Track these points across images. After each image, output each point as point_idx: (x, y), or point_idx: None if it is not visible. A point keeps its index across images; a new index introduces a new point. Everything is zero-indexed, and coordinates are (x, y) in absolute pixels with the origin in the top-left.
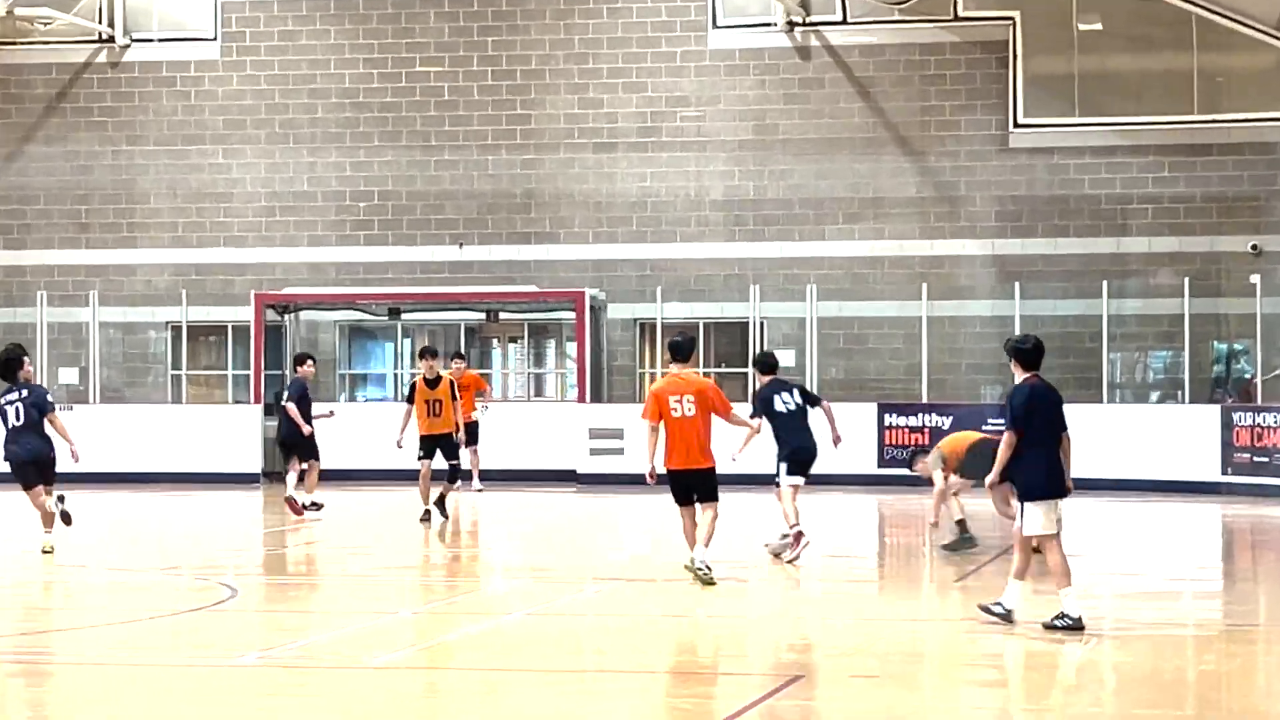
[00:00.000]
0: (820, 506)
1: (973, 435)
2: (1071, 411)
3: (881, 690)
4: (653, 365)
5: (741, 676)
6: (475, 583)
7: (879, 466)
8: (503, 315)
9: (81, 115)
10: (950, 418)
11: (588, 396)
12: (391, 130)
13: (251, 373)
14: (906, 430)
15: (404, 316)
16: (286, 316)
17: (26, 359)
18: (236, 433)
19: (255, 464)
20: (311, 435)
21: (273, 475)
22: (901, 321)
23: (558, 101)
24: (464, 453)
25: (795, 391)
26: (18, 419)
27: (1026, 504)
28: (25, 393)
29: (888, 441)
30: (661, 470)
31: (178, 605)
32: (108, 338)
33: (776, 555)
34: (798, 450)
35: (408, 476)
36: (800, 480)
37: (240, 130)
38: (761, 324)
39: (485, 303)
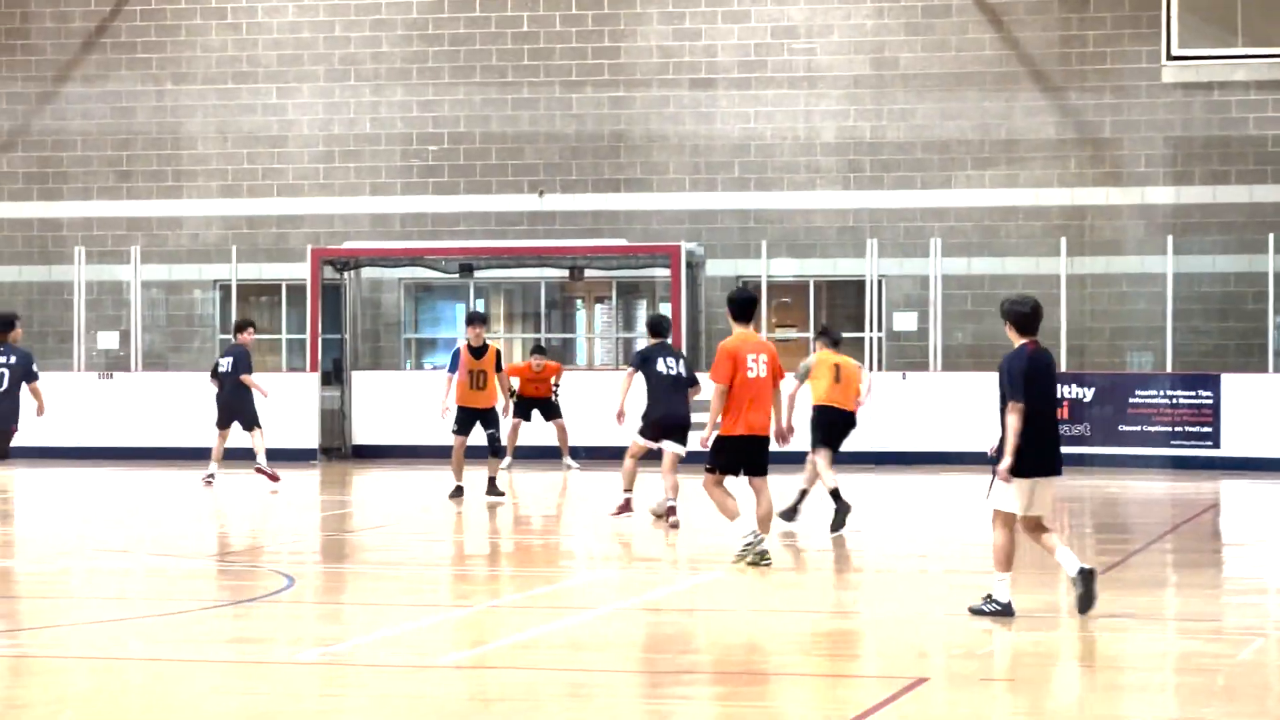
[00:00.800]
0: (941, 489)
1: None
2: (1232, 382)
3: (1017, 695)
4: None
5: (858, 679)
6: (557, 572)
7: None
8: (588, 272)
9: (123, 52)
10: (1092, 389)
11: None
12: (464, 65)
13: (308, 337)
14: None
15: (477, 274)
16: (346, 274)
17: (19, 321)
18: (291, 404)
19: (312, 439)
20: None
21: (331, 451)
22: (1037, 280)
23: (650, 33)
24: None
25: (680, 361)
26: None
27: (998, 478)
28: (12, 358)
29: None
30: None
31: (229, 595)
32: (150, 298)
33: (658, 517)
34: (667, 415)
35: (480, 454)
36: (680, 449)
37: (296, 67)
38: (879, 282)
39: (568, 258)
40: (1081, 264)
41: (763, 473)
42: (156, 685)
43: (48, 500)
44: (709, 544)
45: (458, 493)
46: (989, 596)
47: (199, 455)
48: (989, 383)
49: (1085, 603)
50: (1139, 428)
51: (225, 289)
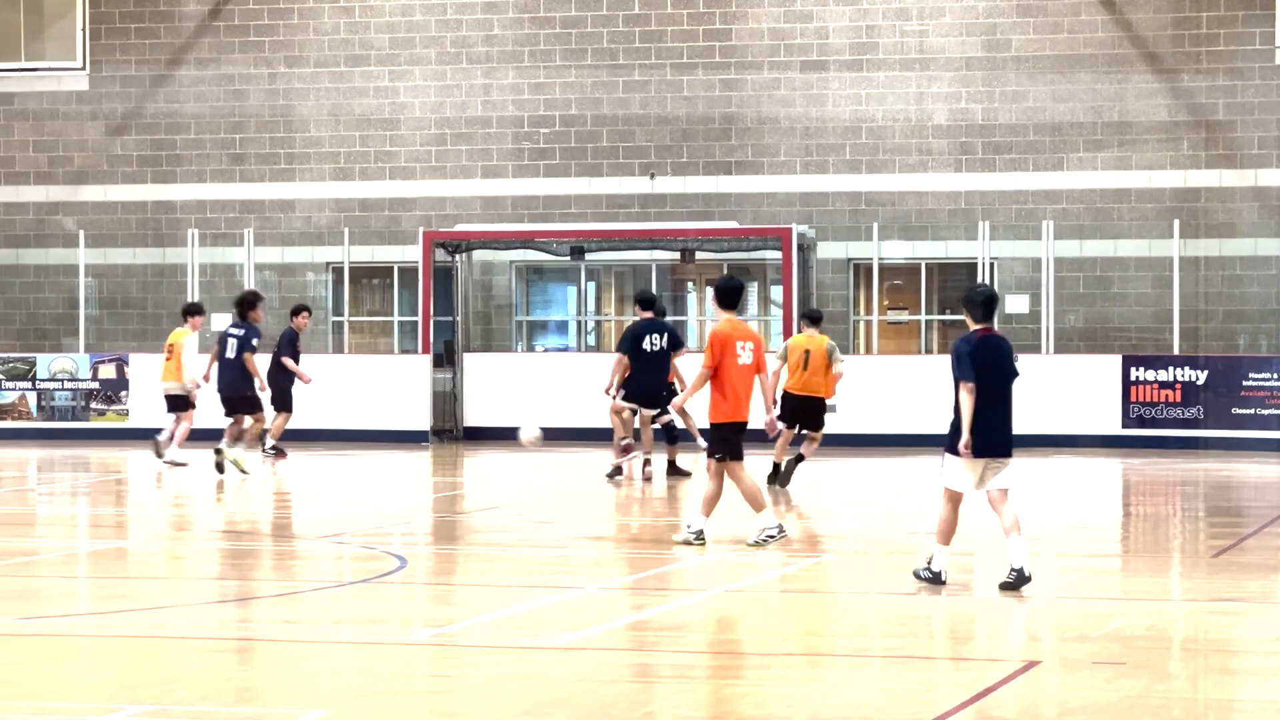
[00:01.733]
0: (1058, 471)
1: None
2: None
3: (1130, 679)
4: (868, 311)
5: (969, 662)
6: (667, 555)
7: (1124, 427)
8: (699, 255)
9: (236, 34)
10: (1205, 372)
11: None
12: (575, 48)
13: (419, 319)
14: (1155, 386)
15: (588, 256)
16: (458, 256)
17: (262, 303)
18: (403, 386)
19: (424, 420)
20: (284, 389)
21: (442, 433)
22: (1150, 263)
23: (761, 14)
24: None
25: (665, 335)
26: (230, 353)
27: (949, 456)
28: (242, 330)
29: (1133, 398)
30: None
31: (342, 575)
32: (263, 280)
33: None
34: (644, 386)
35: (592, 436)
36: (650, 411)
37: (408, 50)
38: (991, 265)
39: (679, 241)
40: (1195, 246)
41: (741, 457)
42: (269, 665)
43: (156, 481)
44: (818, 529)
45: (617, 472)
46: (928, 563)
47: (313, 437)
48: (1103, 366)
49: (1009, 587)
50: (1252, 411)
51: (337, 271)
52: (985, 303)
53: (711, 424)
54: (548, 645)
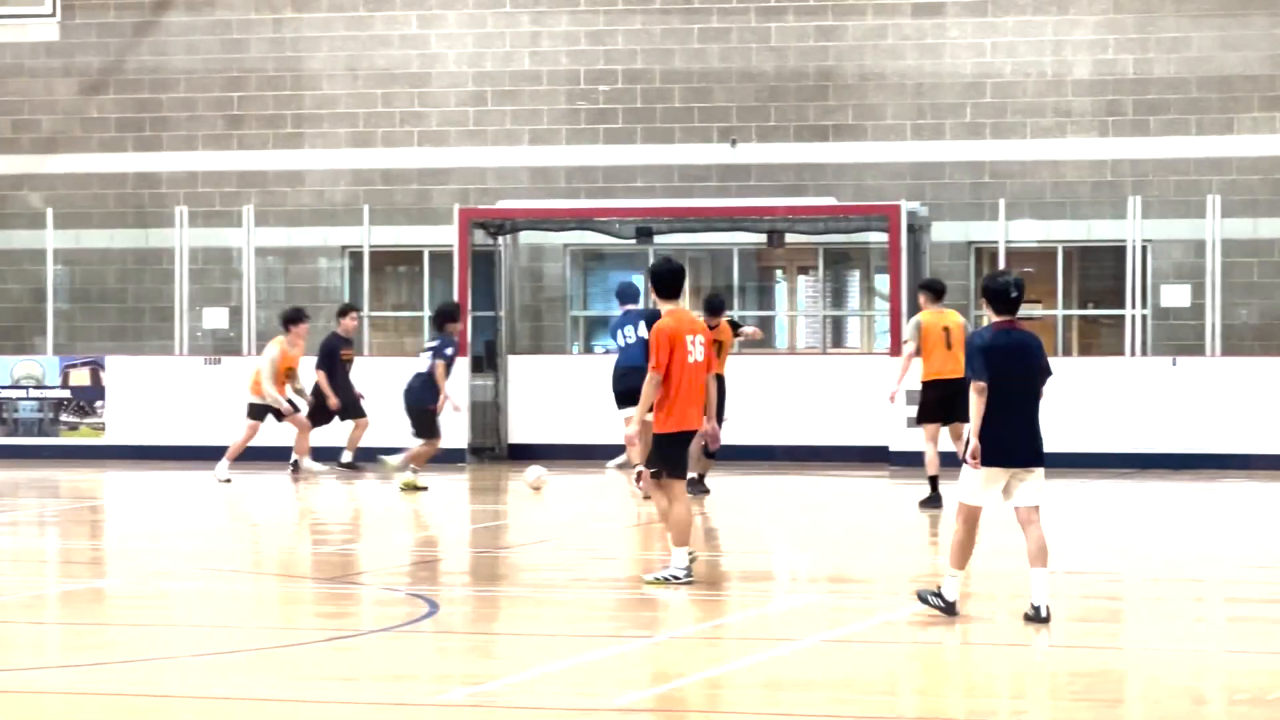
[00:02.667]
0: (1227, 498)
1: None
2: None
3: None
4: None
5: None
6: (751, 597)
7: None
8: (789, 237)
9: None
10: None
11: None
12: None
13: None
14: None
15: (657, 239)
16: (501, 239)
17: (456, 322)
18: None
19: (460, 437)
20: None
21: (482, 451)
22: None
23: None
24: None
25: (643, 324)
26: (423, 368)
27: (965, 467)
28: (438, 342)
29: None
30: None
31: (360, 623)
32: (266, 267)
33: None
34: (619, 384)
35: None
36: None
37: None
38: (1144, 249)
39: (766, 220)
40: None
41: (684, 474)
42: None
43: (143, 508)
44: (927, 565)
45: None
46: (938, 590)
47: (320, 455)
48: None
49: (1032, 620)
50: None
51: (356, 256)
52: (1003, 289)
53: (654, 434)
54: (607, 707)
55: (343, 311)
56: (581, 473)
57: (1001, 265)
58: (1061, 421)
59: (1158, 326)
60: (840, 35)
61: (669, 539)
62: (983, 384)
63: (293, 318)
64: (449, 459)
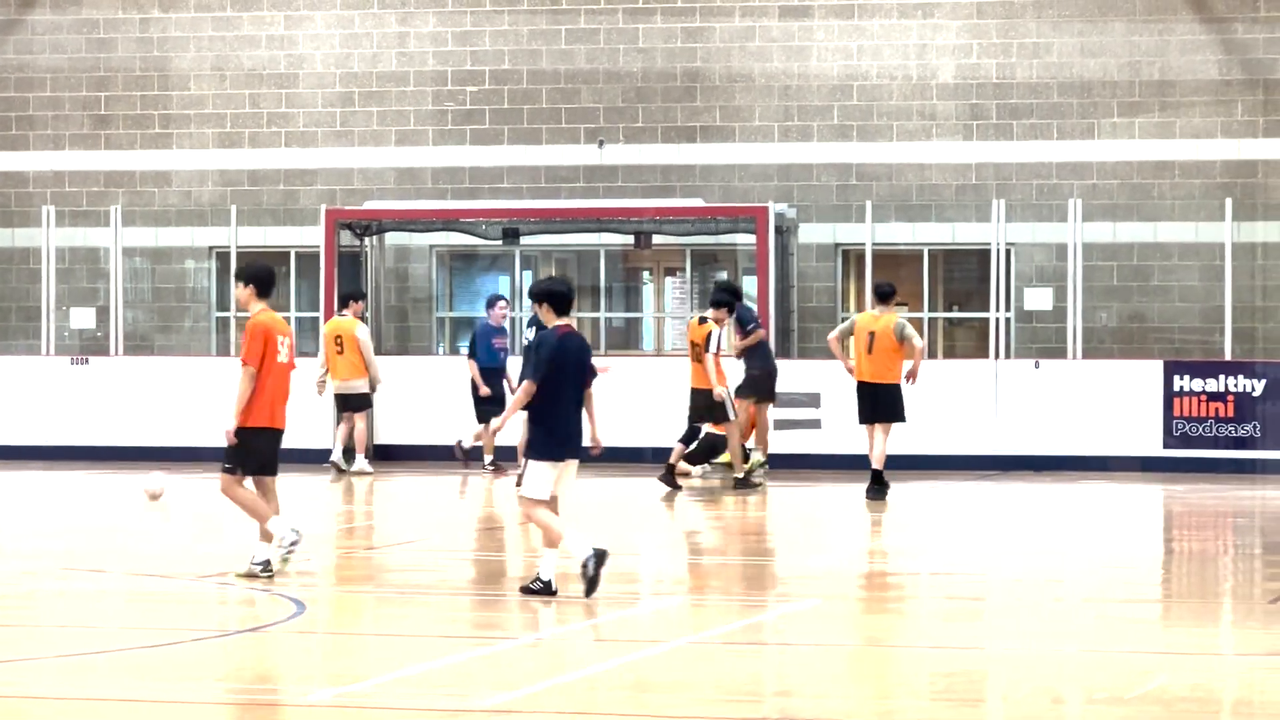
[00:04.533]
0: (1086, 500)
1: None
2: None
3: None
4: (859, 306)
5: None
6: (623, 597)
7: (1165, 447)
8: (657, 239)
9: None
10: (1263, 380)
11: (775, 345)
12: None
13: (321, 314)
14: (1203, 398)
15: (524, 240)
16: (368, 240)
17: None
18: (300, 395)
19: (325, 437)
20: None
21: (348, 452)
22: (1197, 249)
23: None
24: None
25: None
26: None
27: (531, 462)
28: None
29: (1178, 412)
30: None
31: (227, 623)
32: (133, 267)
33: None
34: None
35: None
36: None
37: None
38: (1008, 252)
39: (633, 222)
40: (1251, 230)
41: (275, 472)
42: None
43: (7, 509)
44: (802, 568)
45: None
46: (538, 577)
47: (189, 456)
48: (1142, 373)
49: (591, 586)
50: None
51: (223, 257)
52: (570, 293)
53: (239, 428)
54: (473, 708)
55: (491, 302)
56: (444, 474)
57: (868, 268)
58: (926, 424)
59: (1021, 329)
60: (708, 37)
61: (259, 529)
62: (533, 384)
63: (356, 295)
64: (315, 459)
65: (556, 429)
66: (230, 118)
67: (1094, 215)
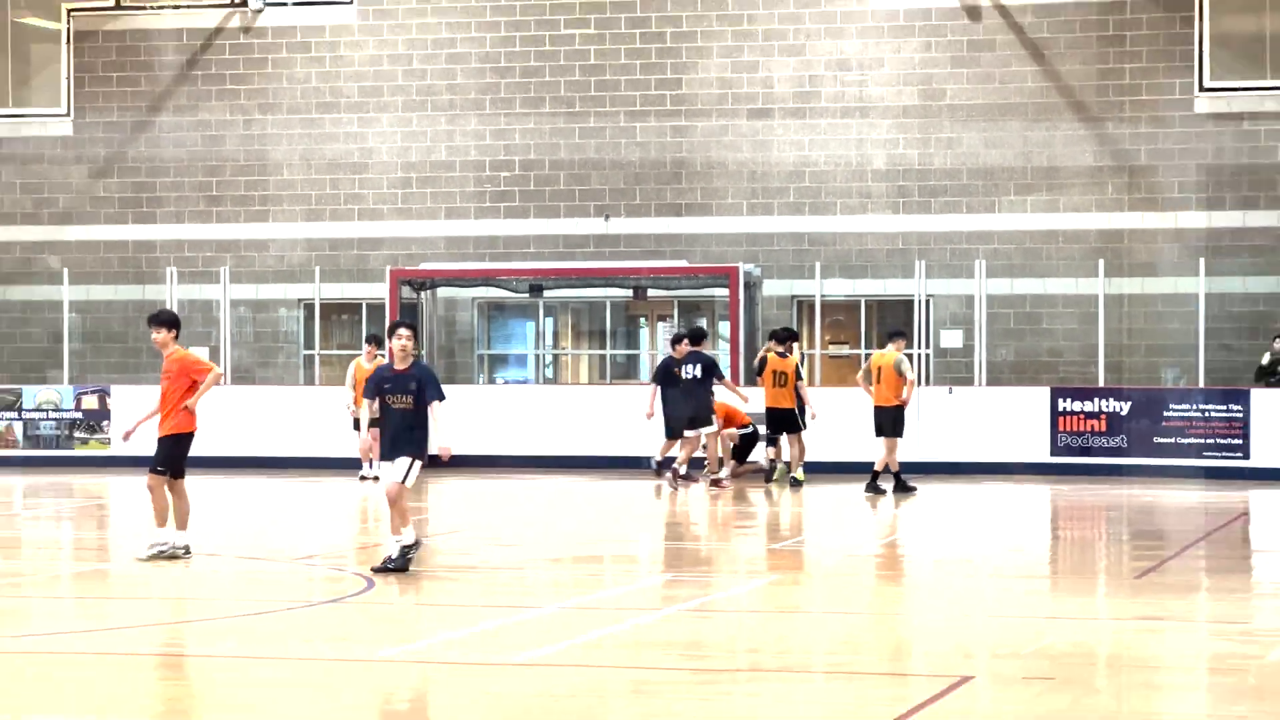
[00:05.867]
0: (990, 497)
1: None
2: (1261, 397)
3: (1058, 694)
4: (810, 345)
5: (906, 677)
6: (622, 576)
7: (1052, 455)
8: (651, 292)
9: (213, 83)
10: (1129, 403)
11: (741, 379)
12: (534, 96)
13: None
14: (1082, 416)
15: (546, 294)
16: (423, 293)
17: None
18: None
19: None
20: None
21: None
22: (1077, 300)
23: (710, 65)
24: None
25: (699, 365)
26: (687, 375)
27: (417, 462)
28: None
29: (1061, 428)
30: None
31: (311, 596)
32: (238, 316)
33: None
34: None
35: (551, 465)
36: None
37: (376, 97)
38: (927, 302)
39: (632, 279)
40: (1119, 285)
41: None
42: (241, 680)
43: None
44: (766, 549)
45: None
46: (389, 556)
47: (282, 464)
48: (1033, 398)
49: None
50: (1173, 440)
51: (309, 308)
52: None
53: (174, 435)
54: (507, 662)
55: (677, 339)
56: (491, 478)
57: (818, 315)
58: (863, 438)
59: (938, 362)
60: (691, 133)
61: (161, 521)
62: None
63: (371, 338)
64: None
65: None
66: (314, 197)
67: (996, 273)
